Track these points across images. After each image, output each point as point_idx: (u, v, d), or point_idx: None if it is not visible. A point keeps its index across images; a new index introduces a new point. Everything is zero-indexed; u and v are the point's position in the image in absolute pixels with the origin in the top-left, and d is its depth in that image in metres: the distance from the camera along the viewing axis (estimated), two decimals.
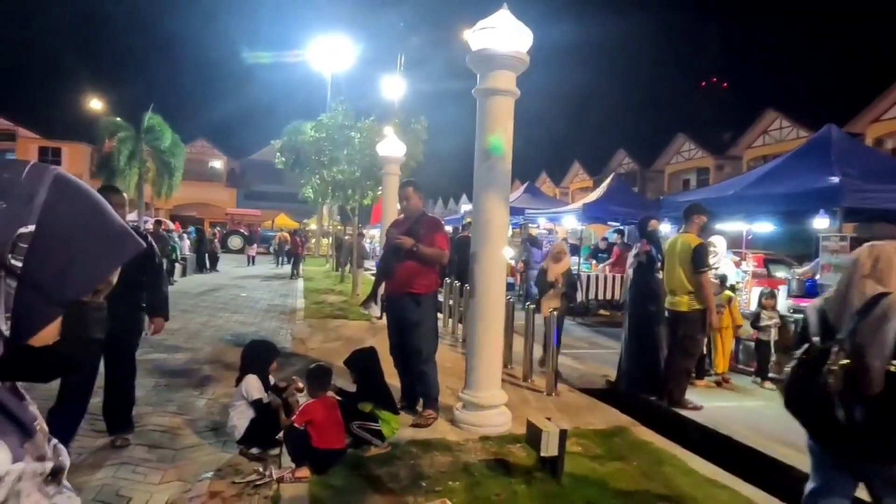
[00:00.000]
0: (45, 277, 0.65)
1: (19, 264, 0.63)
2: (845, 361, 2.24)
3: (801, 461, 4.18)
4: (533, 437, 3.67)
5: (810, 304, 2.67)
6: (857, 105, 22.07)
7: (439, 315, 5.61)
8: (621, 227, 11.66)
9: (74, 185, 0.71)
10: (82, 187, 0.72)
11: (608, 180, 12.11)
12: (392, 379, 4.46)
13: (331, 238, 26.14)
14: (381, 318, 5.17)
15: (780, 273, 7.71)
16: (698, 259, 5.17)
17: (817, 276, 6.15)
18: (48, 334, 0.67)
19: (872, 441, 2.19)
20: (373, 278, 5.73)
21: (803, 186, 5.79)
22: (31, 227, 0.64)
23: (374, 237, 24.99)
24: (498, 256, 4.42)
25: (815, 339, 2.47)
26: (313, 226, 36.16)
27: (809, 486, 2.57)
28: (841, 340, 2.30)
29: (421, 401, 4.63)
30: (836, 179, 5.39)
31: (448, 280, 7.27)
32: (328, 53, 19.56)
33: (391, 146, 8.43)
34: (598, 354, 7.64)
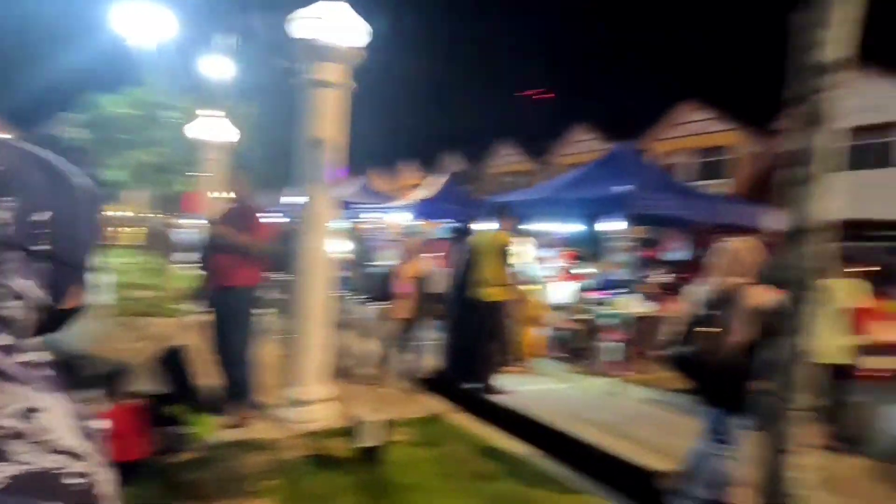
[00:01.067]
0: (68, 250, 0.74)
1: (46, 247, 0.71)
2: (716, 331, 3.10)
3: (597, 437, 4.80)
4: (355, 428, 3.71)
5: (695, 288, 3.56)
6: (652, 121, 25.50)
7: (268, 310, 5.42)
8: (458, 225, 12.20)
9: (25, 151, 0.74)
10: (33, 151, 0.75)
11: (443, 179, 12.62)
12: (212, 377, 4.21)
13: (145, 227, 23.58)
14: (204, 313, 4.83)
15: (583, 269, 8.74)
16: (508, 252, 5.66)
17: (612, 272, 7.02)
18: (77, 296, 0.78)
19: (720, 387, 3.07)
20: (185, 272, 5.32)
21: (603, 193, 6.61)
22: (47, 214, 0.71)
23: (191, 226, 23.05)
24: (323, 249, 4.38)
25: (697, 316, 3.30)
26: (124, 213, 32.30)
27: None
28: (714, 317, 3.16)
29: (239, 400, 4.43)
30: (625, 188, 6.24)
31: (275, 273, 7.01)
32: (138, 21, 17.51)
33: (215, 129, 7.88)
34: (422, 347, 7.91)
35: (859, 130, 20.11)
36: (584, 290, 7.13)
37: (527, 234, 7.60)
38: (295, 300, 4.43)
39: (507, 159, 34.23)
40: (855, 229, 19.66)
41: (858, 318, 4.80)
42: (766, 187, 22.33)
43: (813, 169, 1.77)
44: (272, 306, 7.31)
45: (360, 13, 4.15)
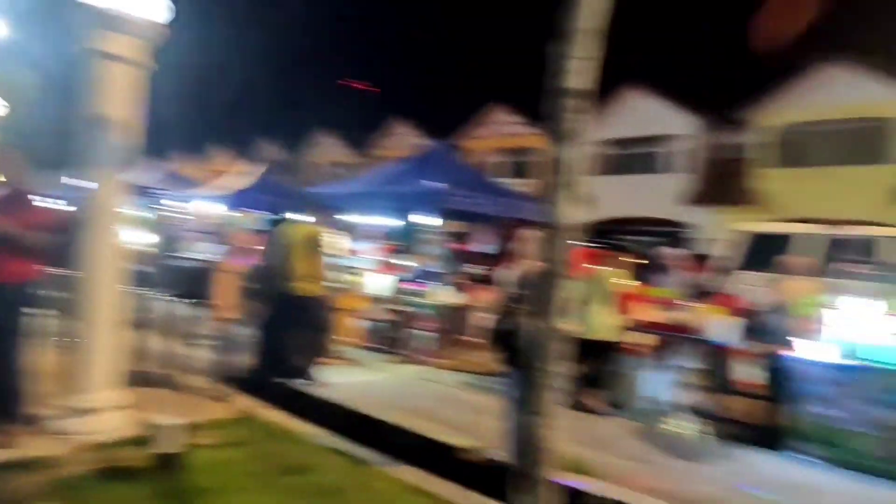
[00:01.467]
0: None
1: None
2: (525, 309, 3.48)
3: (410, 421, 5.03)
4: (149, 435, 3.45)
5: (510, 273, 4.23)
6: (468, 120, 26.94)
7: (47, 310, 4.76)
8: (275, 217, 11.68)
9: None
10: None
11: (262, 168, 12.04)
12: None
13: None
14: None
15: (400, 261, 9.05)
16: (318, 242, 5.67)
17: (427, 264, 7.36)
18: None
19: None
20: None
21: (417, 188, 6.89)
22: None
23: None
24: (112, 240, 3.97)
25: (511, 298, 4.04)
26: None
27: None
28: (523, 298, 3.71)
29: (7, 414, 3.83)
30: (437, 185, 6.59)
31: (56, 267, 6.11)
32: None
33: None
34: (232, 344, 7.53)
35: (630, 141, 23.46)
36: (400, 281, 7.38)
37: (344, 226, 7.65)
38: (79, 298, 3.95)
39: (329, 150, 33.72)
40: (624, 225, 22.85)
41: (624, 302, 5.69)
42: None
43: (563, 178, 2.10)
44: (51, 306, 6.43)
45: None
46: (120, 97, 3.89)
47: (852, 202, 16.09)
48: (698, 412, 5.62)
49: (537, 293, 2.17)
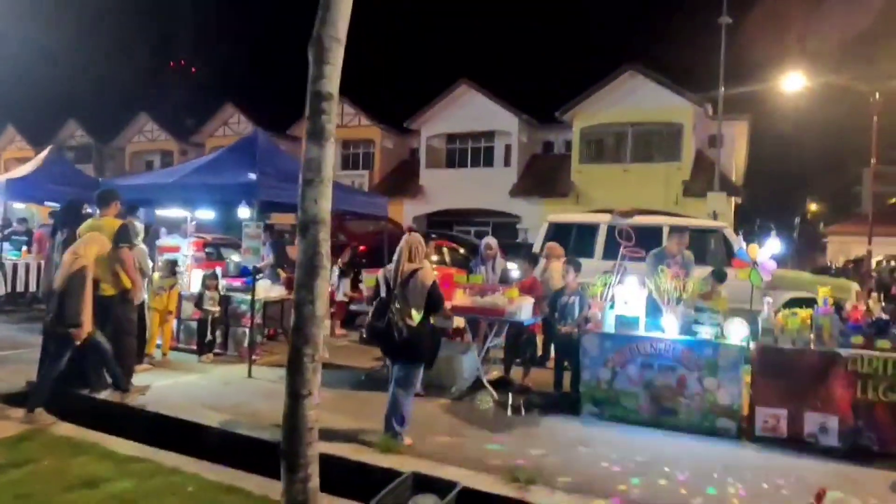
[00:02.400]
0: None
1: None
2: (398, 307, 4.27)
3: (221, 419, 4.89)
4: None
5: (380, 272, 4.56)
6: (300, 111, 26.19)
7: None
8: (64, 209, 10.37)
9: None
10: None
11: (45, 152, 10.54)
12: None
13: None
14: None
15: (218, 256, 8.65)
16: (122, 236, 5.21)
17: (246, 259, 7.09)
18: None
19: (408, 350, 4.34)
20: None
21: (232, 180, 6.61)
22: None
23: None
24: None
25: (382, 293, 4.41)
26: None
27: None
28: (397, 295, 4.30)
29: None
30: (254, 176, 6.39)
31: None
32: None
33: None
34: (21, 355, 6.68)
35: (463, 136, 24.61)
36: (212, 277, 7.05)
37: (157, 220, 7.11)
38: None
39: (147, 136, 30.71)
40: (457, 217, 23.94)
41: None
42: (399, 180, 25.48)
43: (315, 174, 2.23)
44: None
45: None
46: None
47: (650, 195, 18.53)
48: (506, 385, 6.19)
49: (300, 282, 2.27)
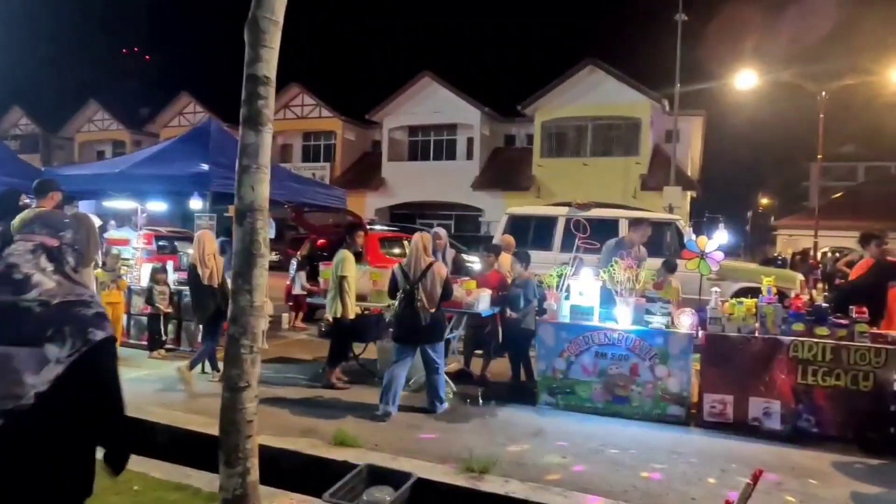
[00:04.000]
0: None
1: None
2: (421, 296, 4.97)
3: (174, 418, 4.78)
4: None
5: (396, 266, 5.26)
6: None
7: None
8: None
9: None
10: None
11: None
12: None
13: None
14: None
15: (168, 249, 8.43)
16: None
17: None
18: None
19: (431, 333, 5.08)
20: None
21: (183, 170, 6.42)
22: None
23: None
24: None
25: (405, 285, 5.05)
26: None
27: (394, 359, 5.14)
28: (417, 285, 4.99)
29: None
30: (206, 167, 6.22)
31: None
32: None
33: None
34: None
35: (425, 128, 24.54)
36: (161, 271, 6.86)
37: (105, 211, 6.86)
38: None
39: (97, 125, 29.63)
40: (419, 209, 23.90)
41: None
42: (361, 172, 25.25)
43: (252, 161, 2.19)
44: None
45: None
46: None
47: (609, 188, 18.87)
48: (465, 377, 6.22)
49: (237, 271, 2.23)
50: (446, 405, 5.23)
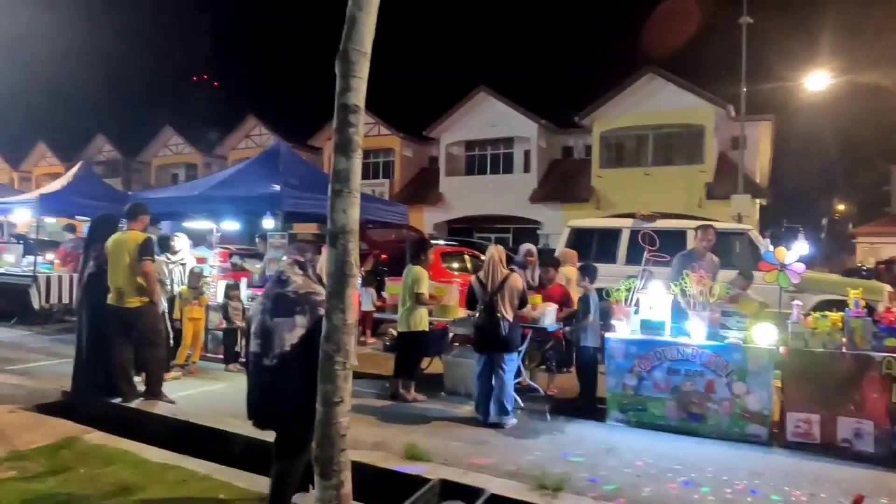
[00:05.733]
0: None
1: None
2: (501, 306, 5.16)
3: (248, 428, 4.95)
4: None
5: (473, 277, 5.52)
6: (321, 121, 26.50)
7: None
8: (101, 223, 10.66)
9: None
10: None
11: (75, 168, 10.84)
12: None
13: None
14: None
15: (243, 267, 8.78)
16: (146, 249, 5.34)
17: (270, 268, 7.20)
18: None
19: (508, 342, 5.21)
20: None
21: (256, 191, 6.72)
22: None
23: None
24: None
25: (479, 297, 5.30)
26: None
27: (476, 371, 5.37)
28: (496, 296, 5.17)
29: None
30: (277, 187, 6.48)
31: None
32: None
33: None
34: (55, 366, 6.86)
35: (482, 143, 24.64)
36: (234, 288, 7.15)
37: (184, 232, 7.26)
38: None
39: (172, 150, 31.36)
40: (477, 223, 23.92)
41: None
42: (419, 188, 25.60)
43: (344, 186, 2.27)
44: None
45: None
46: None
47: (672, 198, 18.34)
48: (531, 392, 6.16)
49: (330, 291, 2.31)
50: (514, 420, 5.20)
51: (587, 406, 5.67)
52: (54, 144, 32.76)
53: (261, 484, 3.86)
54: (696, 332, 5.06)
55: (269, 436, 4.71)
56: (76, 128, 32.91)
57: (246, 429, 4.93)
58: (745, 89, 16.72)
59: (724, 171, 19.93)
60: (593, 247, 8.54)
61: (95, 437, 4.57)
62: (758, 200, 19.83)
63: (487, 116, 23.55)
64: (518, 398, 5.73)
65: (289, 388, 2.99)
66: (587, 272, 6.14)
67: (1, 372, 5.83)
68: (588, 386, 5.85)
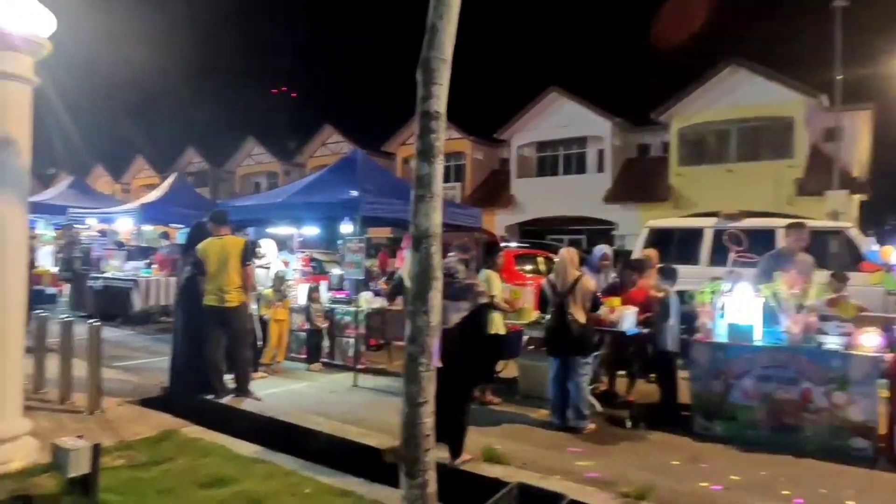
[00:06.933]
0: None
1: None
2: (572, 308, 5.12)
3: (330, 426, 5.13)
4: (60, 460, 3.39)
5: (545, 280, 5.64)
6: (393, 128, 27.07)
7: None
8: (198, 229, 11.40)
9: None
10: None
11: (170, 179, 11.66)
12: None
13: None
14: None
15: (322, 270, 9.13)
16: (248, 253, 5.73)
17: (348, 271, 7.43)
18: None
19: (580, 345, 5.15)
20: None
21: (335, 197, 6.96)
22: None
23: None
24: (12, 262, 3.86)
25: (550, 298, 5.33)
26: None
27: (551, 375, 5.31)
28: (567, 298, 5.15)
29: None
30: (356, 193, 6.69)
31: None
32: None
33: None
34: (156, 363, 7.37)
35: (553, 143, 24.28)
36: (315, 290, 7.42)
37: (268, 237, 7.63)
38: None
39: (255, 159, 32.94)
40: (549, 225, 23.55)
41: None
42: (490, 190, 25.58)
43: (426, 191, 2.31)
44: None
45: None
46: (11, 114, 3.79)
47: (758, 195, 17.37)
48: (610, 398, 6.01)
49: (415, 293, 2.35)
50: (591, 425, 5.10)
51: (669, 413, 5.46)
52: (150, 157, 35.22)
53: (344, 480, 3.99)
54: (790, 338, 4.77)
55: (354, 434, 4.89)
56: (169, 141, 35.19)
57: (328, 426, 5.14)
58: (840, 77, 15.59)
59: (816, 165, 18.64)
60: (673, 248, 8.22)
61: (192, 430, 4.88)
62: (856, 196, 18.41)
63: (559, 117, 23.21)
64: (596, 403, 5.61)
65: (451, 356, 3.75)
66: (666, 274, 5.94)
67: (110, 368, 6.31)
68: (669, 392, 5.64)
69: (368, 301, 7.46)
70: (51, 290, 10.91)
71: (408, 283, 5.34)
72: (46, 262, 11.81)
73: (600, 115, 22.53)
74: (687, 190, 20.05)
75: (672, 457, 4.45)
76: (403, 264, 6.93)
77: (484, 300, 4.76)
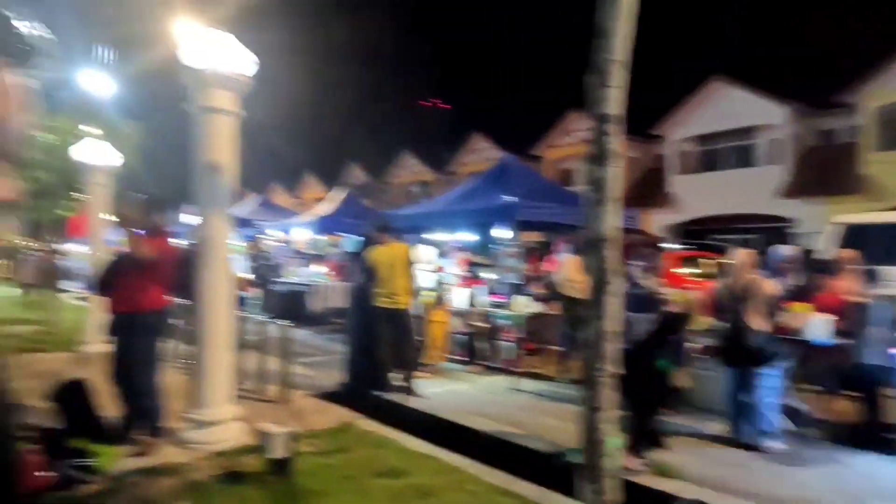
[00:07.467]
0: None
1: None
2: (746, 314, 4.72)
3: (490, 426, 5.24)
4: (263, 443, 3.87)
5: (719, 284, 5.17)
6: (540, 131, 26.93)
7: (171, 335, 5.41)
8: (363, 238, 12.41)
9: None
10: None
11: (343, 195, 12.83)
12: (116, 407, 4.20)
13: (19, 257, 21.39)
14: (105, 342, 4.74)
15: (480, 274, 9.35)
16: (410, 263, 6.10)
17: (505, 276, 7.54)
18: None
19: (756, 354, 4.74)
20: (78, 303, 5.17)
21: (491, 203, 7.11)
22: None
23: (78, 253, 21.38)
24: (223, 271, 4.49)
25: (725, 302, 4.94)
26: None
27: (726, 387, 4.96)
28: (741, 302, 4.79)
29: (144, 428, 4.42)
30: (511, 199, 6.78)
31: (178, 296, 6.88)
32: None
33: (97, 152, 7.63)
34: (332, 361, 8.06)
35: (717, 136, 22.44)
36: (478, 294, 7.60)
37: (428, 243, 8.02)
38: (198, 322, 4.49)
39: (410, 170, 34.70)
40: (715, 224, 21.75)
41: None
42: (645, 189, 24.33)
43: (603, 194, 2.26)
44: (174, 331, 7.23)
45: (255, 29, 4.37)
46: (221, 143, 4.42)
47: None
48: (796, 414, 5.41)
49: (591, 299, 2.33)
50: (777, 444, 4.63)
51: (871, 435, 4.79)
52: (318, 173, 38.68)
53: (506, 480, 4.06)
54: None
55: (512, 437, 4.95)
56: (334, 157, 38.32)
57: (487, 427, 5.26)
58: None
59: None
60: (871, 246, 7.17)
61: (365, 423, 5.27)
62: None
63: (723, 107, 21.40)
64: (785, 420, 5.09)
65: (634, 367, 3.53)
66: (867, 276, 5.22)
67: (296, 364, 7.03)
68: (871, 411, 4.94)
69: (525, 305, 7.51)
70: (244, 294, 12.45)
71: (562, 288, 5.43)
72: (238, 269, 13.54)
73: (772, 101, 20.39)
74: (886, 179, 17.39)
75: (878, 486, 3.90)
76: (557, 268, 6.88)
77: (672, 309, 4.60)
